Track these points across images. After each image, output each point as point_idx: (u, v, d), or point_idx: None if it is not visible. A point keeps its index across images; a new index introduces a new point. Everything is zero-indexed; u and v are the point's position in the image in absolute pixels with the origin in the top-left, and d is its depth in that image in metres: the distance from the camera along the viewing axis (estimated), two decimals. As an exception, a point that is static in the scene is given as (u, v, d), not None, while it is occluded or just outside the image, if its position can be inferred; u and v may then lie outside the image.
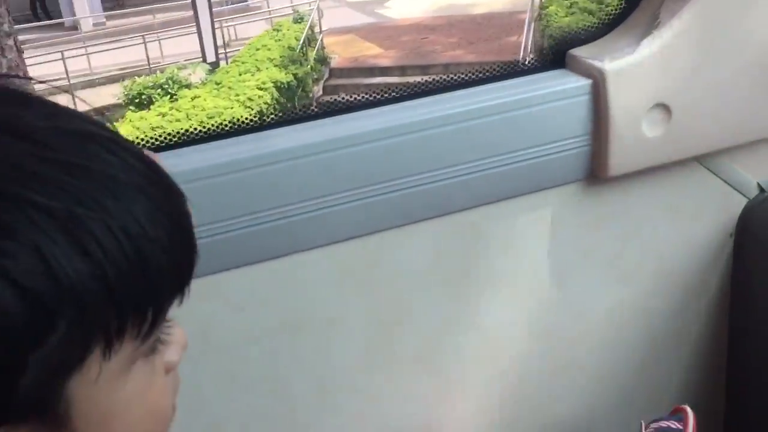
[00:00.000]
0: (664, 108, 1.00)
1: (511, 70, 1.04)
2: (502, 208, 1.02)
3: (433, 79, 1.01)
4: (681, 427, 0.99)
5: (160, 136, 0.91)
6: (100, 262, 0.38)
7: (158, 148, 0.91)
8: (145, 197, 0.41)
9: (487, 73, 1.03)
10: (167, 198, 0.43)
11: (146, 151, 0.85)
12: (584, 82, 0.99)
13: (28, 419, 0.39)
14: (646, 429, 1.00)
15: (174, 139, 0.92)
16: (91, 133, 0.41)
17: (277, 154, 0.88)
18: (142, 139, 0.90)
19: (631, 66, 0.97)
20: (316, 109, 0.96)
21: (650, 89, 0.98)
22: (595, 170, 1.03)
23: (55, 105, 0.43)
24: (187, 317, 0.92)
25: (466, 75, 1.02)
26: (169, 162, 0.86)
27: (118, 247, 0.39)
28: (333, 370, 1.01)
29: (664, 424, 1.00)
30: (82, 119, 0.42)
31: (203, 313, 0.92)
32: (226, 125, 0.93)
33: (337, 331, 0.99)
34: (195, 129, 0.92)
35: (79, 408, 0.40)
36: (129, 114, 9.04)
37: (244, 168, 0.87)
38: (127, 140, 0.44)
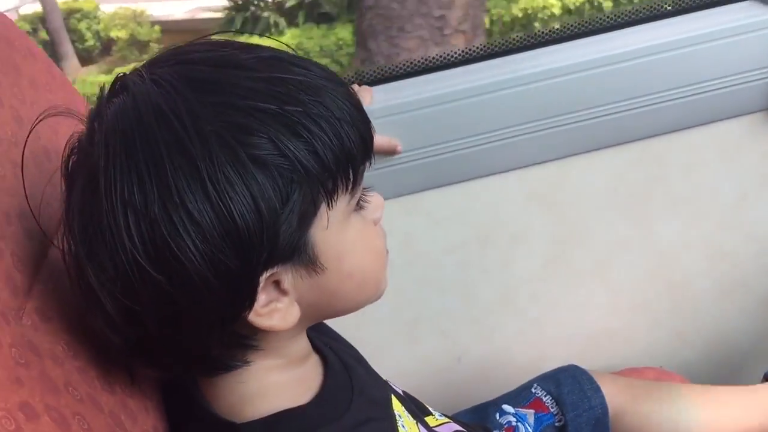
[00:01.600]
0: None
1: (701, 2, 1.07)
2: (685, 136, 1.07)
3: (622, 12, 1.06)
4: None
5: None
6: (310, 141, 0.51)
7: (372, 82, 1.04)
8: (326, 90, 0.53)
9: (681, 5, 1.07)
10: (341, 88, 0.55)
11: (356, 86, 0.99)
12: (774, 14, 1.01)
13: (292, 259, 0.54)
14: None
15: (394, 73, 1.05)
16: (278, 56, 0.55)
17: (477, 89, 0.99)
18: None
19: (826, -3, 0.98)
20: (510, 45, 1.04)
21: None
22: (780, 100, 1.05)
23: (248, 43, 0.57)
24: (394, 229, 1.07)
25: (656, 7, 1.06)
26: (383, 96, 1.00)
27: (318, 128, 0.52)
28: (516, 280, 1.14)
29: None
30: (271, 49, 0.56)
31: (407, 226, 1.06)
32: (436, 60, 1.04)
33: (521, 246, 1.11)
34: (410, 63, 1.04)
35: (319, 249, 0.55)
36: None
37: (447, 101, 0.98)
38: (303, 57, 0.57)
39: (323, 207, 0.54)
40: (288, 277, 0.55)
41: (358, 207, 0.59)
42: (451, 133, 1.01)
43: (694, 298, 1.20)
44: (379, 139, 0.97)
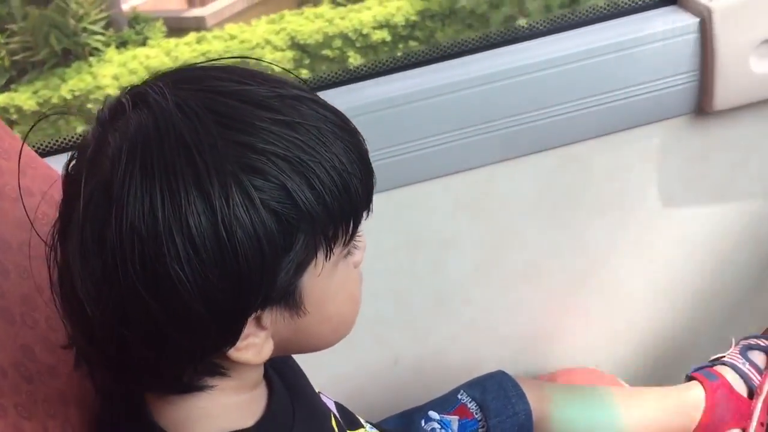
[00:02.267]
0: (774, 44, 1.02)
1: (621, 8, 1.08)
2: (609, 141, 1.09)
3: (543, 21, 1.07)
4: (769, 344, 1.05)
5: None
6: (321, 192, 0.52)
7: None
8: (341, 141, 0.54)
9: (598, 12, 1.08)
10: (354, 139, 0.56)
11: None
12: (692, 20, 1.02)
13: (280, 302, 0.55)
14: (735, 345, 1.07)
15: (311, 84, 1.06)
16: (299, 97, 0.54)
17: (396, 99, 1.00)
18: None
19: (739, 3, 1.00)
20: (432, 55, 1.05)
21: (759, 26, 1.01)
22: (702, 104, 1.07)
23: (271, 76, 0.57)
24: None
25: (575, 15, 1.08)
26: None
27: (330, 180, 0.52)
28: (448, 284, 1.15)
29: (753, 341, 1.06)
30: (291, 84, 0.56)
31: (336, 235, 1.07)
32: (350, 72, 1.05)
33: (452, 251, 1.12)
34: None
35: (306, 294, 0.56)
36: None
37: (366, 111, 0.99)
38: (319, 97, 0.57)
39: (321, 256, 0.55)
40: (270, 315, 0.56)
41: (348, 253, 0.60)
42: (373, 142, 1.01)
43: (627, 297, 1.22)
44: None
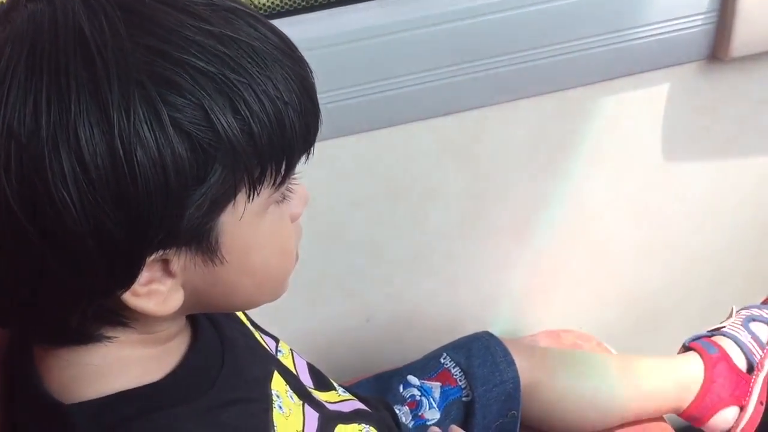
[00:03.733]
0: (802, -14, 0.92)
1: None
2: (612, 87, 0.99)
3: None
4: (772, 316, 0.98)
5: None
6: (248, 120, 0.45)
7: (269, 16, 0.93)
8: (280, 66, 0.46)
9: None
10: (297, 67, 0.48)
11: None
12: (715, -45, 0.92)
13: (190, 245, 0.47)
14: (736, 314, 1.00)
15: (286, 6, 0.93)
16: (236, 9, 0.47)
17: (384, 27, 0.88)
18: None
19: (770, -62, 0.90)
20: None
21: (788, -35, 0.91)
22: (716, 51, 0.98)
23: None
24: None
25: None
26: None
27: (260, 107, 0.45)
28: (429, 237, 1.06)
29: (756, 311, 1.00)
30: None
31: (307, 179, 0.96)
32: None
33: (436, 201, 1.03)
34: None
35: (225, 239, 0.48)
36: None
37: (348, 40, 0.88)
38: (263, 17, 0.49)
39: (242, 196, 0.48)
40: (180, 260, 0.48)
41: (280, 199, 0.52)
42: (357, 75, 0.91)
43: (616, 258, 1.15)
44: None
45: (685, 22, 0.95)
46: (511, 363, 0.88)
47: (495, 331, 1.03)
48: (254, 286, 0.54)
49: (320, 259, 1.04)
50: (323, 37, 0.88)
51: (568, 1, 0.91)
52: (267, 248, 0.52)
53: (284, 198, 0.53)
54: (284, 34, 0.49)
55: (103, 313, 0.48)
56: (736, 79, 1.02)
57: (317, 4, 0.93)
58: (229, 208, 0.47)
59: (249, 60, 0.45)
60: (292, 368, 0.70)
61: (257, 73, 0.45)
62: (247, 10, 0.48)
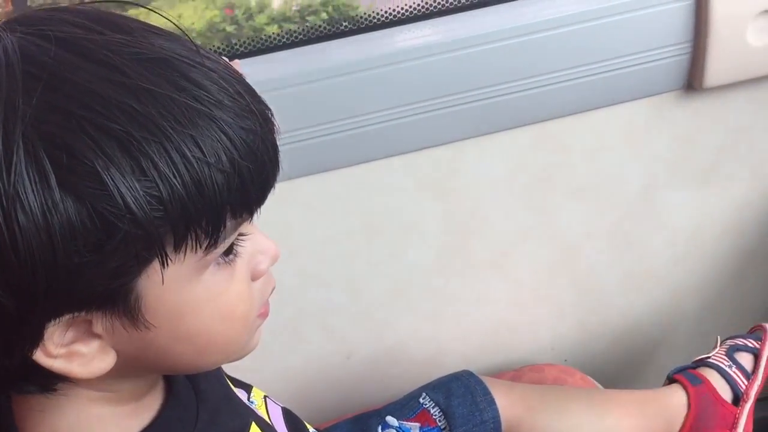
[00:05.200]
0: (774, 15, 0.92)
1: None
2: (589, 119, 0.99)
3: (522, -19, 0.96)
4: (758, 346, 0.97)
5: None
6: (155, 183, 0.40)
7: (242, 54, 0.92)
8: (212, 121, 0.42)
9: (581, -26, 0.97)
10: (242, 122, 0.44)
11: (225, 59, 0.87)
12: (686, -14, 0.92)
13: (106, 308, 0.44)
14: (720, 345, 0.99)
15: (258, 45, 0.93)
16: (167, 59, 0.43)
17: (357, 63, 0.88)
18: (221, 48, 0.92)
19: (740, -31, 0.90)
20: (395, 17, 0.93)
21: (759, -5, 0.91)
22: (691, 80, 0.97)
23: (145, 28, 0.44)
24: (270, 220, 0.96)
25: (558, -24, 0.96)
26: (251, 70, 0.88)
27: (172, 170, 0.41)
28: (408, 272, 1.04)
29: (740, 341, 0.98)
30: (169, 41, 0.44)
31: (284, 216, 0.96)
32: (302, 33, 0.92)
33: (413, 236, 1.01)
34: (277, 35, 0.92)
35: (148, 304, 0.44)
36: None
37: (323, 77, 0.87)
38: (214, 61, 0.45)
39: (155, 262, 0.43)
40: (103, 321, 0.44)
41: (227, 259, 0.48)
42: (332, 112, 0.90)
43: (600, 289, 1.13)
44: None
45: (659, 53, 0.95)
46: (491, 402, 0.86)
47: (478, 366, 1.01)
48: (194, 353, 0.49)
49: (298, 297, 1.03)
50: (294, 75, 0.87)
51: (542, 34, 0.91)
52: (205, 313, 0.47)
53: (235, 257, 0.48)
54: (242, 84, 0.45)
55: (35, 370, 0.45)
56: (712, 109, 1.01)
57: (288, 42, 0.93)
58: (147, 272, 0.43)
59: (165, 116, 0.41)
60: (266, 418, 0.69)
61: (172, 131, 0.40)
62: (185, 60, 0.43)
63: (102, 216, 0.40)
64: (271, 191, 0.48)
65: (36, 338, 0.43)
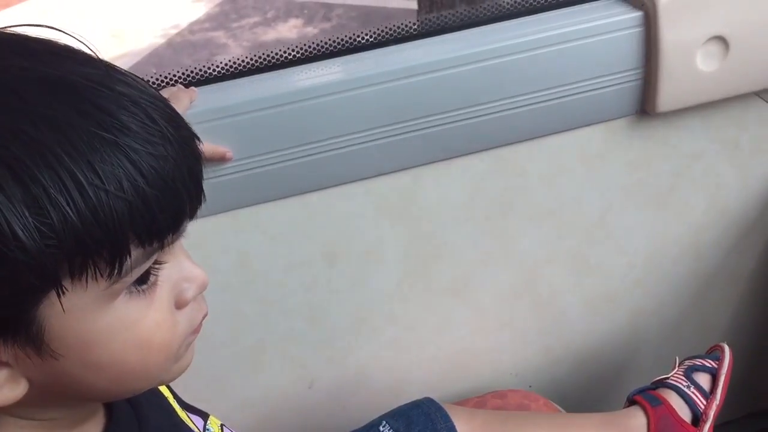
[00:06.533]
0: (721, 41, 0.94)
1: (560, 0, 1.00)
2: (545, 144, 1.00)
3: (476, 10, 0.97)
4: (716, 366, 0.97)
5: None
6: (47, 212, 0.39)
7: (198, 82, 0.92)
8: (115, 148, 0.41)
9: (535, 3, 0.99)
10: (152, 148, 0.42)
11: (178, 87, 0.87)
12: (636, 14, 0.94)
13: (7, 336, 0.42)
14: (679, 365, 0.99)
15: (213, 73, 0.93)
16: (73, 84, 0.41)
17: (314, 89, 0.88)
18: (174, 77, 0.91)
19: (687, -3, 0.92)
20: (351, 44, 0.94)
21: (706, 21, 0.93)
22: (644, 105, 0.99)
23: (53, 50, 0.43)
24: (227, 247, 0.96)
25: (511, 5, 0.98)
26: (208, 96, 0.88)
27: (66, 197, 0.39)
28: (369, 300, 1.04)
29: (698, 361, 0.99)
30: (80, 64, 0.42)
31: (241, 244, 0.95)
32: (260, 60, 0.92)
33: (374, 263, 1.01)
34: (232, 63, 0.92)
35: (52, 332, 0.43)
36: None
37: (280, 103, 0.87)
38: (128, 85, 0.43)
39: (52, 293, 0.41)
40: (7, 350, 0.43)
41: (140, 286, 0.46)
42: (290, 138, 0.90)
43: (562, 314, 1.14)
44: (206, 147, 0.85)
45: (612, 79, 0.97)
46: (452, 429, 0.85)
47: (440, 393, 1.01)
48: (108, 382, 0.47)
49: (258, 325, 1.02)
50: (252, 101, 0.87)
51: (498, 60, 0.92)
52: (116, 342, 0.45)
53: (152, 285, 0.46)
54: (161, 109, 0.43)
55: None
56: (666, 133, 1.03)
57: (244, 69, 0.93)
58: (47, 301, 0.41)
59: (61, 142, 0.39)
60: None
61: (67, 158, 0.39)
62: (96, 85, 0.42)
63: None
64: (189, 219, 0.46)
65: None
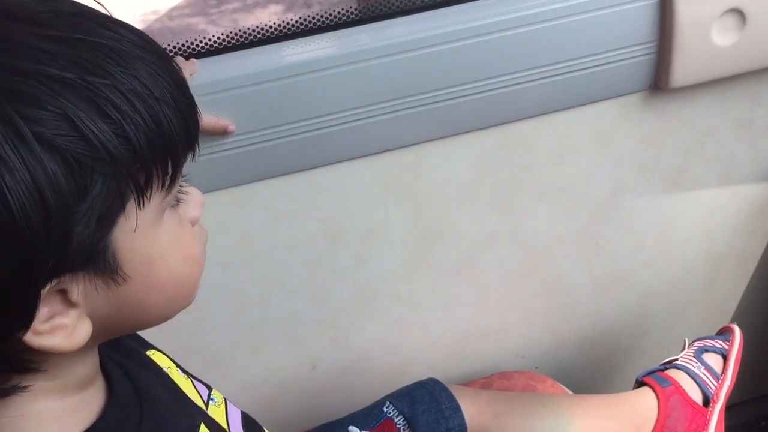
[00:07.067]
0: (738, 13, 0.92)
1: (571, -30, 0.96)
2: (555, 120, 0.97)
3: (485, -19, 0.94)
4: (726, 347, 0.96)
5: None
6: (119, 122, 0.42)
7: (199, 54, 0.89)
8: (144, 63, 0.44)
9: (545, -27, 0.96)
10: (163, 62, 0.46)
11: (178, 59, 0.85)
12: (650, -15, 0.91)
13: (87, 268, 0.44)
14: (689, 346, 0.97)
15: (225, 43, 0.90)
16: (84, 13, 0.44)
17: (317, 62, 0.85)
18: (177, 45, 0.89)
19: (704, -33, 0.89)
20: (357, 16, 0.91)
21: (723, -7, 0.90)
22: (657, 81, 0.97)
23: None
24: (229, 224, 0.93)
25: (522, -25, 0.95)
26: (210, 69, 0.86)
27: (131, 108, 0.42)
28: (374, 279, 1.02)
29: (708, 342, 0.97)
30: (75, 3, 0.46)
31: (243, 221, 0.93)
32: (262, 33, 0.90)
33: (377, 241, 0.99)
34: (234, 35, 0.89)
35: (123, 256, 0.45)
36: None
37: (283, 76, 0.85)
38: (113, 17, 0.47)
39: (132, 205, 0.44)
40: (79, 287, 0.44)
41: (174, 203, 0.50)
42: (293, 113, 0.87)
43: (569, 295, 1.11)
44: (206, 119, 0.83)
45: (624, 53, 0.94)
46: (457, 409, 0.84)
47: (445, 374, 0.99)
48: (166, 299, 0.50)
49: (260, 305, 1.00)
50: (254, 74, 0.85)
51: (506, 33, 0.90)
52: (171, 257, 0.49)
53: (179, 202, 0.50)
54: (141, 31, 0.46)
55: (8, 359, 0.44)
56: (679, 110, 1.00)
57: (246, 41, 0.90)
58: (121, 221, 0.44)
59: (107, 60, 0.42)
60: (223, 420, 0.66)
61: (120, 73, 0.42)
62: (94, 11, 0.45)
63: (81, 162, 0.40)
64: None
65: (30, 314, 0.42)
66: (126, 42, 0.44)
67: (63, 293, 0.44)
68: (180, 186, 0.50)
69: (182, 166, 0.48)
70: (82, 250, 0.42)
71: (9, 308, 0.41)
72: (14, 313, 0.41)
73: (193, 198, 0.52)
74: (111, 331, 0.50)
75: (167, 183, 0.46)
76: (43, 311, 0.43)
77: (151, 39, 0.47)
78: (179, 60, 0.84)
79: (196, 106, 0.48)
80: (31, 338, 0.43)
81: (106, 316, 0.47)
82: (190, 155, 0.48)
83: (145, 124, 0.43)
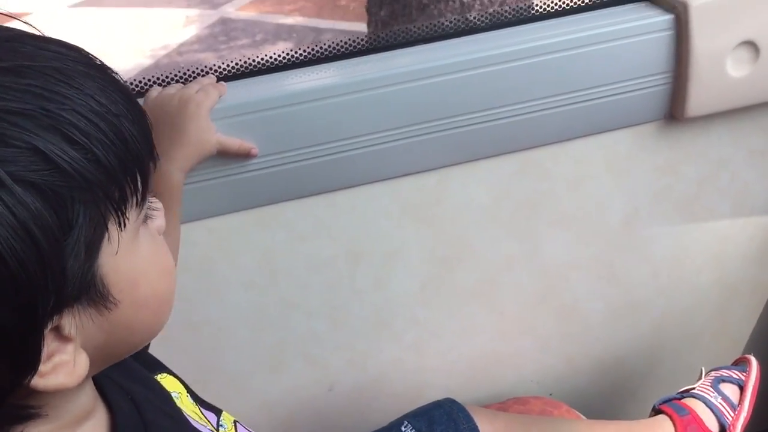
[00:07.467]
0: (752, 46, 0.94)
1: (590, 2, 0.99)
2: (572, 147, 0.99)
3: (506, 11, 0.97)
4: (743, 377, 0.96)
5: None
6: (87, 146, 0.41)
7: (227, 78, 0.92)
8: (91, 79, 0.43)
9: (565, 5, 0.98)
10: (105, 75, 0.45)
11: (208, 80, 0.86)
12: (667, 17, 0.93)
13: (80, 300, 0.43)
14: (705, 376, 0.98)
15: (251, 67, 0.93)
16: (17, 36, 0.43)
17: (339, 87, 0.88)
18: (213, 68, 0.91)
19: (718, 0, 0.91)
20: (379, 44, 0.94)
21: (737, 26, 0.92)
22: (672, 110, 0.98)
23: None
24: (250, 244, 0.95)
25: (540, 6, 0.98)
26: (235, 92, 0.88)
27: (95, 128, 0.41)
28: (391, 301, 1.03)
29: (725, 372, 0.98)
30: (3, 27, 0.44)
31: (265, 241, 0.94)
32: (288, 57, 0.92)
33: (396, 264, 1.00)
34: (258, 60, 0.92)
35: (110, 280, 0.45)
36: None
37: (307, 100, 0.87)
38: (45, 35, 0.45)
39: (113, 227, 0.44)
40: (73, 321, 0.43)
41: (145, 219, 0.49)
42: (315, 136, 0.89)
43: (585, 321, 1.12)
44: (230, 142, 0.85)
45: (641, 83, 0.96)
46: (474, 429, 0.85)
47: (461, 398, 0.99)
48: (151, 317, 0.50)
49: (279, 326, 1.01)
50: (279, 98, 0.87)
51: (527, 61, 0.92)
52: (152, 273, 0.49)
53: (148, 217, 0.50)
54: (74, 44, 0.45)
55: (12, 412, 0.44)
56: (694, 139, 1.02)
57: (272, 66, 0.93)
58: (105, 245, 0.43)
59: (59, 84, 0.41)
60: None
61: (74, 95, 0.41)
62: (26, 33, 0.44)
63: (59, 194, 0.39)
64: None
65: (36, 358, 0.41)
66: (69, 60, 0.43)
67: (56, 330, 0.43)
68: (149, 201, 0.49)
69: (150, 179, 0.47)
70: (77, 282, 0.42)
71: (18, 355, 0.40)
72: (22, 360, 0.41)
73: (154, 204, 0.52)
74: (105, 359, 0.49)
75: (139, 198, 0.46)
76: (47, 350, 0.42)
77: (84, 50, 0.45)
78: (207, 81, 0.86)
79: (146, 113, 0.47)
80: (37, 381, 0.42)
81: (98, 345, 0.46)
82: (152, 166, 0.47)
83: (112, 143, 0.42)
